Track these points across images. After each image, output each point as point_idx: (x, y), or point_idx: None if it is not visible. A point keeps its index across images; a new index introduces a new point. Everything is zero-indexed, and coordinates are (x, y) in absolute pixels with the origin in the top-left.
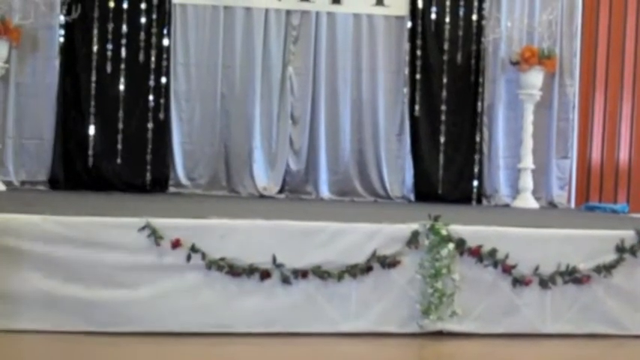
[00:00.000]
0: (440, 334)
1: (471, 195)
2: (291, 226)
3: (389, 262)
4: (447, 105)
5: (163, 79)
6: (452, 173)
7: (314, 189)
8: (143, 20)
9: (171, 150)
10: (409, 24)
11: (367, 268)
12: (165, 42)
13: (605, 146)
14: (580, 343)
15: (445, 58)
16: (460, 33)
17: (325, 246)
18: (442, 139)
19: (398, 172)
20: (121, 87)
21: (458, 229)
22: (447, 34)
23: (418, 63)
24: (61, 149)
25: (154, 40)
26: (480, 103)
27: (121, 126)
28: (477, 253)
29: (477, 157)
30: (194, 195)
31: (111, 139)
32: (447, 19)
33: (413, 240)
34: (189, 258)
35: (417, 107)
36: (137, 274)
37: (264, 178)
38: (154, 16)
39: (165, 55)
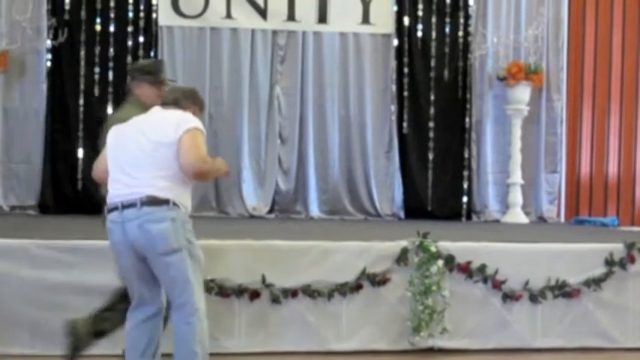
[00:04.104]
0: (431, 351)
1: (460, 211)
2: (280, 246)
3: (379, 280)
4: (434, 122)
5: None
6: (441, 190)
7: (304, 208)
8: (130, 43)
9: None
10: (396, 42)
11: (357, 287)
12: None
13: (593, 160)
14: (571, 356)
15: (432, 75)
16: (447, 50)
17: (315, 265)
18: (431, 156)
19: (387, 189)
20: (109, 110)
21: (447, 246)
22: (433, 51)
23: (405, 80)
24: (50, 173)
25: None
26: (467, 119)
27: None
28: (466, 269)
29: (465, 173)
30: None
31: None
32: (434, 36)
33: (402, 257)
34: None
35: (405, 124)
36: None
37: (253, 199)
38: (141, 39)
39: None
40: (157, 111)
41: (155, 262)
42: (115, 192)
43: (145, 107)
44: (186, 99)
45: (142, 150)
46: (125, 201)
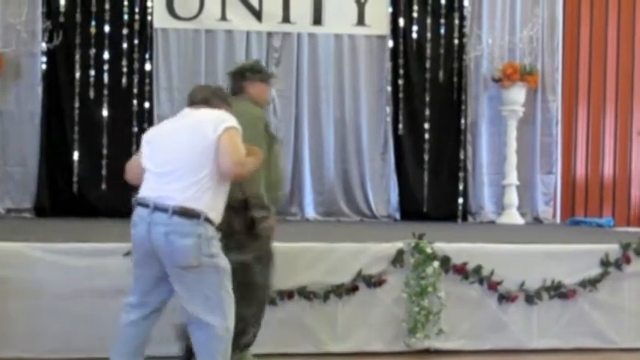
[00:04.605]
0: (427, 352)
1: (456, 212)
2: (276, 248)
3: (374, 282)
4: (430, 123)
5: (146, 104)
6: (437, 191)
7: (299, 210)
8: (125, 45)
9: None
10: (391, 43)
11: (353, 288)
12: (148, 67)
13: (589, 160)
14: (567, 357)
15: (427, 76)
16: (442, 51)
17: (310, 267)
18: (426, 157)
19: (383, 191)
20: (105, 113)
21: (443, 247)
22: (428, 52)
23: (400, 82)
24: (46, 176)
25: (136, 65)
26: (463, 121)
27: (105, 152)
28: (462, 271)
29: (461, 174)
30: None
31: (95, 164)
32: (429, 38)
33: (398, 259)
34: None
35: (400, 126)
36: (123, 300)
37: None
38: (136, 42)
39: (147, 80)
40: (189, 112)
41: (171, 272)
42: (148, 192)
43: (260, 105)
44: (217, 97)
45: (178, 154)
46: (158, 203)
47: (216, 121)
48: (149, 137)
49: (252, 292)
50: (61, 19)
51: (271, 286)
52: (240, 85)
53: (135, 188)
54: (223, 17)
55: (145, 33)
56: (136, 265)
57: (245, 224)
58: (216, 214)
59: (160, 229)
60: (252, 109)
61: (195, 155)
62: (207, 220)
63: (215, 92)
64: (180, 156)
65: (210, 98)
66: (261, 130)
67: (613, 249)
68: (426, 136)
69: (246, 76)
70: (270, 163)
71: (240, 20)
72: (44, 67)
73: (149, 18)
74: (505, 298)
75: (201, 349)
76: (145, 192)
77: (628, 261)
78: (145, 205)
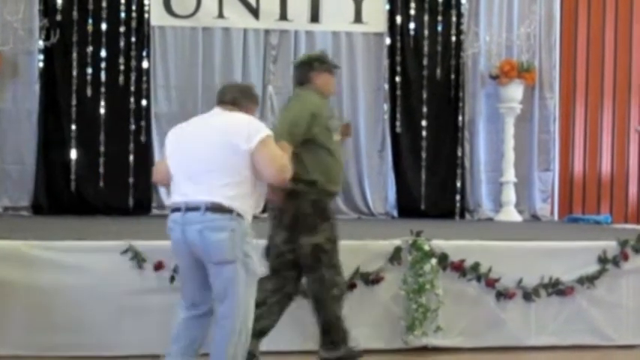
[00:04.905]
0: (425, 350)
1: (454, 210)
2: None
3: (372, 279)
4: (427, 120)
5: (144, 102)
6: (434, 188)
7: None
8: (122, 43)
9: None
10: (388, 40)
11: (350, 286)
12: (145, 64)
13: (587, 157)
14: (565, 354)
15: (425, 73)
16: (439, 48)
17: None
18: (424, 155)
19: (380, 188)
20: (102, 110)
21: (440, 244)
22: (426, 49)
23: (398, 79)
24: (44, 174)
25: (133, 63)
26: (460, 118)
27: (102, 149)
28: (459, 268)
29: (459, 171)
30: None
31: (93, 162)
32: (426, 35)
33: (395, 256)
34: (172, 280)
35: (397, 123)
36: (120, 298)
37: None
38: (133, 39)
39: (145, 78)
40: (218, 113)
41: (209, 270)
42: (179, 197)
43: (325, 96)
44: (245, 98)
45: (208, 156)
46: (190, 204)
47: (250, 132)
48: (174, 138)
49: (328, 274)
50: (58, 17)
51: (340, 266)
52: (307, 75)
53: (136, 187)
54: (220, 15)
55: (142, 31)
56: (180, 270)
57: (313, 207)
58: (249, 212)
59: (193, 227)
60: (309, 98)
61: (226, 161)
62: (240, 215)
63: (244, 92)
64: (211, 160)
65: (238, 99)
66: (303, 122)
67: (611, 246)
68: (424, 133)
69: (313, 66)
70: (331, 152)
71: (237, 18)
72: (41, 64)
73: (146, 16)
74: (503, 295)
75: (215, 346)
76: (177, 197)
77: (626, 258)
78: (178, 209)
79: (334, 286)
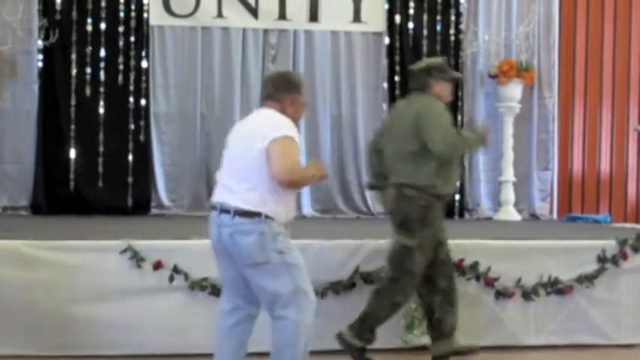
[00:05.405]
0: (424, 349)
1: (453, 209)
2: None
3: (372, 279)
4: None
5: (143, 101)
6: None
7: (296, 207)
8: (121, 43)
9: (153, 172)
10: (387, 40)
11: (350, 285)
12: (144, 64)
13: (585, 157)
14: (564, 353)
15: None
16: (438, 47)
17: (308, 264)
18: None
19: None
20: (101, 110)
21: None
22: (424, 49)
23: (397, 79)
24: (43, 174)
25: (132, 62)
26: (459, 117)
27: (101, 149)
28: (459, 267)
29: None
30: (176, 216)
31: (92, 162)
32: (425, 34)
33: None
34: (171, 279)
35: None
36: (120, 297)
37: None
38: (132, 39)
39: (144, 77)
40: (256, 113)
41: (245, 272)
42: (217, 194)
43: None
44: (280, 90)
45: (238, 158)
46: (223, 205)
47: (268, 131)
48: (227, 139)
49: (404, 278)
50: (57, 16)
51: (419, 276)
52: (426, 82)
53: (135, 186)
54: (219, 14)
55: (141, 30)
56: (219, 268)
57: (420, 212)
58: (281, 212)
59: (226, 230)
60: (436, 103)
61: (251, 164)
62: (269, 217)
63: (276, 85)
64: (240, 163)
65: (272, 94)
66: (448, 118)
67: (610, 245)
68: None
69: (432, 74)
70: (441, 162)
71: (236, 17)
72: (40, 64)
73: (145, 15)
74: (502, 294)
75: (276, 343)
76: (214, 196)
77: (625, 257)
78: (214, 208)
79: (401, 294)
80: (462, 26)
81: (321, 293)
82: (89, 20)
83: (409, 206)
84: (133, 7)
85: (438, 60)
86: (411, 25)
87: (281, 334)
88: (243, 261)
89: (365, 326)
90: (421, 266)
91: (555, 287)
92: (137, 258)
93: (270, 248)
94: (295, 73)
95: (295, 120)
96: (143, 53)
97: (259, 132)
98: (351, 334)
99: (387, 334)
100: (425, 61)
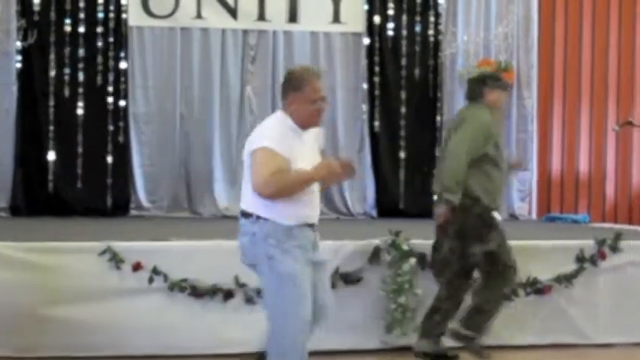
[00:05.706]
0: (404, 350)
1: (432, 209)
2: None
3: (351, 279)
4: (406, 120)
5: (122, 102)
6: (413, 188)
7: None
8: (100, 44)
9: (132, 173)
10: (366, 41)
11: (330, 286)
12: (123, 65)
13: (564, 157)
14: (544, 353)
15: (403, 73)
16: (417, 48)
17: None
18: (402, 155)
19: (359, 188)
20: (80, 111)
21: (419, 244)
22: (404, 49)
23: (376, 79)
24: (21, 175)
25: (111, 63)
26: (439, 118)
27: (80, 150)
28: None
29: (437, 171)
30: (156, 217)
31: (71, 163)
32: (404, 35)
33: (374, 256)
34: (151, 280)
35: (376, 123)
36: (99, 299)
37: (225, 198)
38: (111, 40)
39: (123, 78)
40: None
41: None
42: None
43: (494, 111)
44: (283, 90)
45: (245, 163)
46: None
47: (253, 139)
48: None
49: (506, 273)
50: (36, 17)
51: (516, 267)
52: (480, 90)
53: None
54: (199, 15)
55: (119, 31)
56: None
57: (480, 220)
58: (280, 214)
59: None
60: (483, 117)
61: (247, 167)
62: (262, 218)
63: (282, 84)
64: (245, 167)
65: (282, 93)
66: (479, 140)
67: (588, 245)
68: (402, 133)
69: (487, 82)
70: (500, 168)
71: (215, 18)
72: (19, 65)
73: (124, 16)
74: None
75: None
76: None
77: (603, 257)
78: None
79: (509, 285)
80: (441, 27)
81: None
82: (68, 21)
83: (467, 216)
84: (111, 7)
85: (491, 70)
86: (390, 25)
87: (268, 338)
88: (243, 260)
89: (478, 321)
90: (511, 257)
91: (534, 287)
92: (116, 259)
93: (259, 251)
94: (299, 67)
95: (303, 122)
96: (122, 54)
97: (251, 140)
98: (465, 329)
99: (366, 336)
100: (478, 71)
